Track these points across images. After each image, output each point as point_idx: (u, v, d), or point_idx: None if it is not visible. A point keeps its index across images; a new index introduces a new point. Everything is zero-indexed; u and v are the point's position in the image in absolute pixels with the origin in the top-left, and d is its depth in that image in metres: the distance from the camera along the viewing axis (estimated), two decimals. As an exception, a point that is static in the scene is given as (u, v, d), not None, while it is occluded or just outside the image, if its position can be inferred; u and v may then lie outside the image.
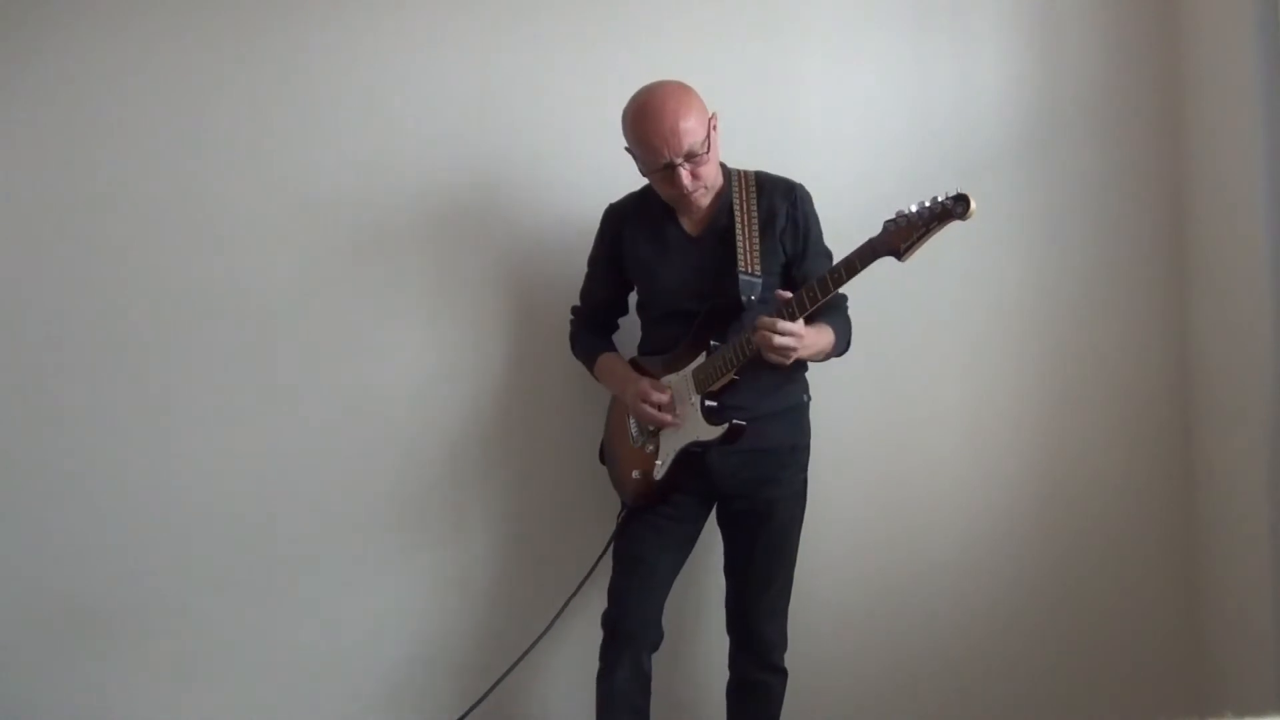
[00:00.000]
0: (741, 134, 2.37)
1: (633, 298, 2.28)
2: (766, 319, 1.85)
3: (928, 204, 1.71)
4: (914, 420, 2.49)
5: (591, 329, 2.29)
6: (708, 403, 2.01)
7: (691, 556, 2.24)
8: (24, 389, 2.49)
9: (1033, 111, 2.46)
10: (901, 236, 1.73)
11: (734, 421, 1.98)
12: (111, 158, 2.49)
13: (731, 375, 1.98)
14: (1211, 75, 2.31)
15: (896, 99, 2.47)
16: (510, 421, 2.51)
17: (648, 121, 1.95)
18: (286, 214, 2.50)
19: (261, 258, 2.50)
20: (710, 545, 2.24)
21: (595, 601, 2.23)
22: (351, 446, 2.50)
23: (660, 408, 2.03)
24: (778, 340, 1.83)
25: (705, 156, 1.98)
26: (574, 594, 2.27)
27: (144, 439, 2.50)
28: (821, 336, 1.98)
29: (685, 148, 1.94)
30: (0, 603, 2.49)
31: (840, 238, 2.01)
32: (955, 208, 1.67)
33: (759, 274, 2.00)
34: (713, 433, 1.99)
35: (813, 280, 1.86)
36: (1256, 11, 2.10)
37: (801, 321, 1.88)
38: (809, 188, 2.16)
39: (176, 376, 2.50)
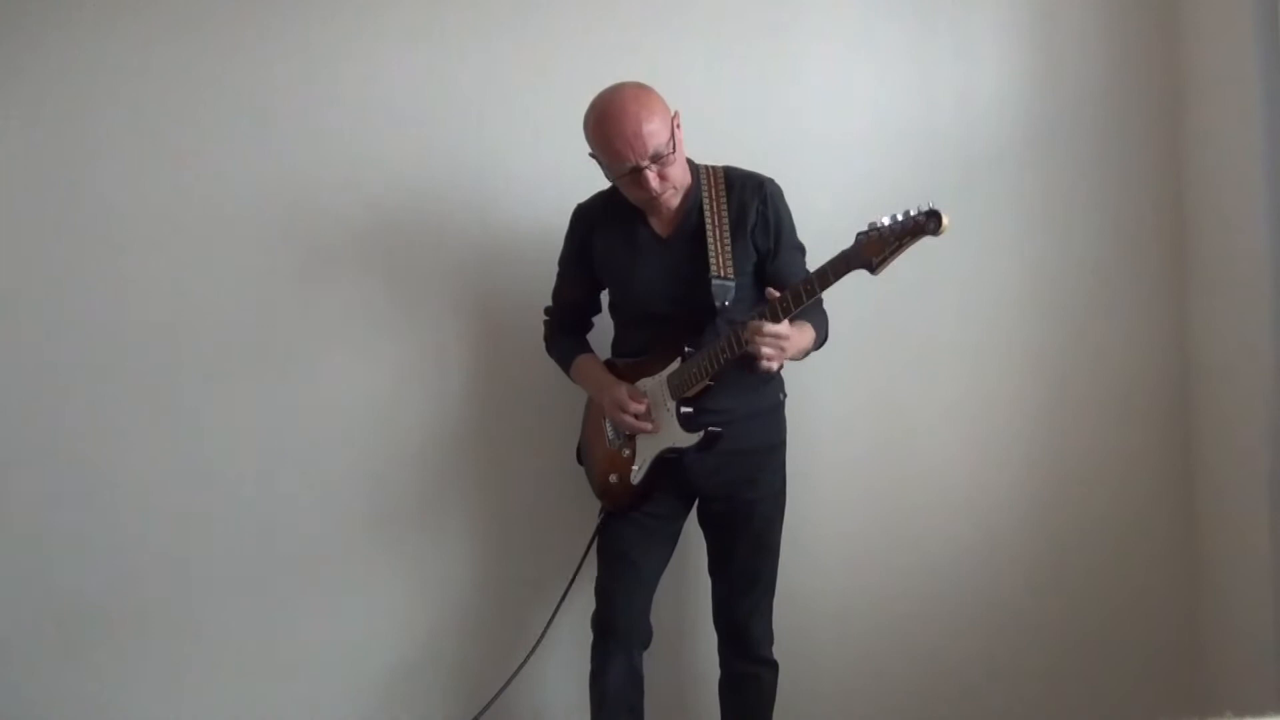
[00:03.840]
0: (740, 134, 2.38)
1: (605, 297, 2.27)
2: (755, 325, 1.81)
3: (900, 218, 1.68)
4: (910, 417, 2.49)
5: (565, 329, 2.27)
6: (683, 409, 2.00)
7: (680, 553, 2.24)
8: (22, 388, 2.49)
9: (1033, 113, 2.46)
10: (873, 250, 1.70)
11: (709, 429, 1.97)
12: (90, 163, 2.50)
13: (707, 381, 1.96)
14: (1211, 75, 2.31)
15: (897, 99, 2.47)
16: (490, 422, 2.50)
17: (610, 127, 1.90)
18: (272, 218, 2.50)
19: (249, 261, 2.50)
20: (698, 541, 2.24)
21: (584, 601, 2.23)
22: (343, 449, 2.51)
23: (637, 416, 2.02)
24: (769, 344, 1.81)
25: (671, 157, 1.93)
26: (562, 598, 2.26)
27: (142, 440, 2.50)
28: (804, 336, 1.97)
29: (650, 150, 1.90)
30: (0, 603, 2.49)
31: (839, 238, 1.99)
32: (928, 224, 1.64)
33: (731, 277, 1.97)
34: (688, 439, 1.98)
35: (786, 291, 1.84)
36: (1256, 11, 2.10)
37: (786, 324, 1.85)
38: (809, 189, 2.16)
39: (174, 378, 2.50)
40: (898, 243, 1.68)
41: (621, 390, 2.05)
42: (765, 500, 2.11)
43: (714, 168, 2.08)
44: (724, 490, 2.08)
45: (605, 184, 2.12)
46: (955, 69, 2.47)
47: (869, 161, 2.45)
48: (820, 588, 2.45)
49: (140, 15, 2.48)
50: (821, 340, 2.06)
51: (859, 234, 1.75)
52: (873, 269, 1.72)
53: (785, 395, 2.16)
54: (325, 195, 2.49)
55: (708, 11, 2.47)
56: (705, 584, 2.24)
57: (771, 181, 2.08)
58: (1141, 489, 2.47)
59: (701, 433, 1.97)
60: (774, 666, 2.17)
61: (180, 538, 2.50)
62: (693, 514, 2.20)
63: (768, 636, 2.16)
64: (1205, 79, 2.34)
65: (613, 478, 2.11)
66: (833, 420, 2.43)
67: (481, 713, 2.31)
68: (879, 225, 1.71)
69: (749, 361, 1.87)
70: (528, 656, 2.30)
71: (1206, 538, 2.41)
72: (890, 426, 2.49)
